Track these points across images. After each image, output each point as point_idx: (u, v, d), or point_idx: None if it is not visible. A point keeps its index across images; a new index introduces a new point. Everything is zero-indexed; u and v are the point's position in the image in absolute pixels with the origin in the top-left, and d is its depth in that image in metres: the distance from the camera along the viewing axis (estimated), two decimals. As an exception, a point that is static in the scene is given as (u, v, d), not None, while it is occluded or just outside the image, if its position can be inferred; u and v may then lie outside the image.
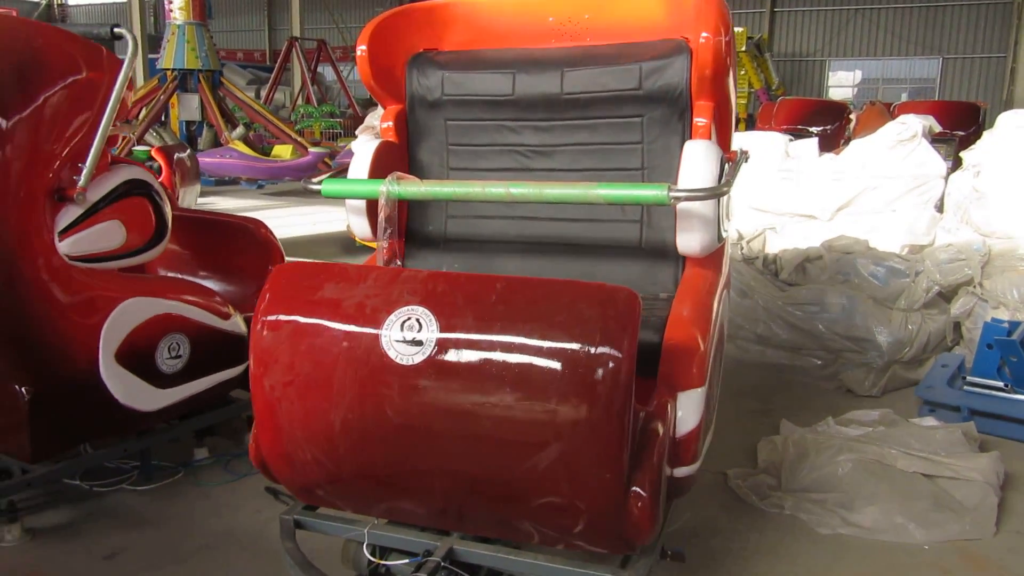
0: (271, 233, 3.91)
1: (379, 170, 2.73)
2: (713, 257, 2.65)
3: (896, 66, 27.47)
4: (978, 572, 2.93)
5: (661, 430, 2.10)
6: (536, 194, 2.38)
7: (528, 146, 2.96)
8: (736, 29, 17.26)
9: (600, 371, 1.79)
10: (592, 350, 1.79)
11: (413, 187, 2.50)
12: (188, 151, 7.73)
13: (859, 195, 5.70)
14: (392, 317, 1.89)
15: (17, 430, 2.86)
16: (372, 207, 2.70)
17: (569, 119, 2.89)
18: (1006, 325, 4.26)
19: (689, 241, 2.50)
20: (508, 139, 2.98)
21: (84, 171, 2.69)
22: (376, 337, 1.89)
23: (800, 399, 4.61)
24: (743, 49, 20.54)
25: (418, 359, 1.86)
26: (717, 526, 3.20)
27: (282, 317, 2.00)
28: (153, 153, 7.20)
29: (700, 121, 2.69)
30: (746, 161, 2.76)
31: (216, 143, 16.33)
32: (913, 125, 5.82)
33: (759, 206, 5.97)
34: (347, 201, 2.76)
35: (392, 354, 1.87)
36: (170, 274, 3.74)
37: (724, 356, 2.93)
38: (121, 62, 2.79)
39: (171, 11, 16.65)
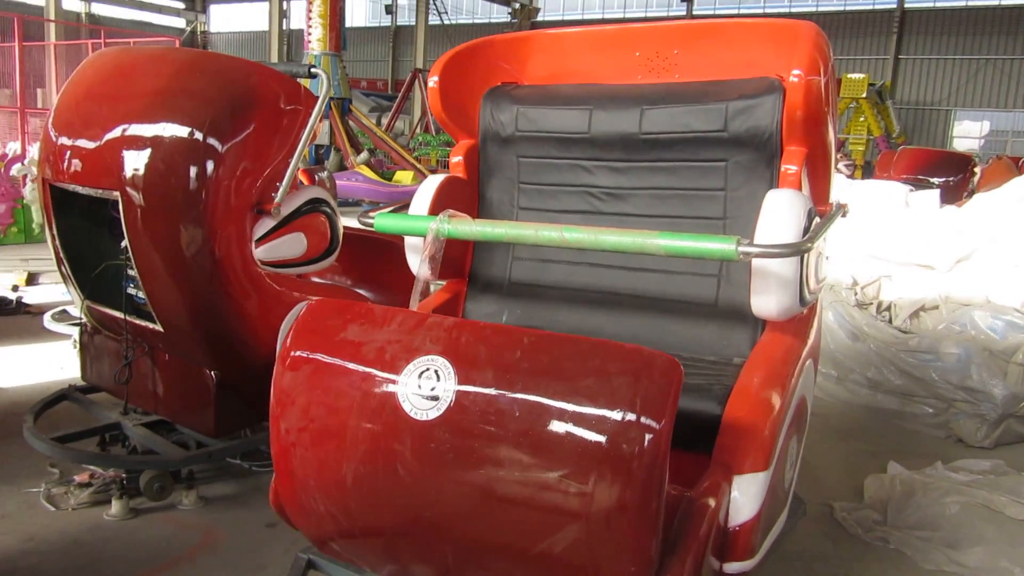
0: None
1: (441, 206, 2.61)
2: (798, 322, 2.39)
3: (1027, 118, 26.44)
4: (1083, 619, 3.00)
5: (708, 517, 1.84)
6: (592, 240, 2.13)
7: (602, 188, 2.78)
8: (858, 75, 17.00)
9: (629, 445, 1.57)
10: (621, 420, 1.58)
11: (464, 226, 2.32)
12: (328, 172, 8.37)
13: (979, 249, 5.71)
14: (411, 366, 1.76)
15: (205, 409, 3.33)
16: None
17: (647, 161, 2.69)
18: None
19: (765, 303, 2.23)
20: (581, 179, 2.81)
21: (280, 189, 3.14)
22: (393, 387, 1.77)
23: (909, 444, 4.68)
24: (864, 96, 20.24)
25: (433, 415, 1.72)
26: (821, 552, 3.36)
27: (303, 356, 1.89)
28: (299, 173, 7.83)
29: (790, 168, 2.44)
30: (843, 216, 2.49)
31: (342, 166, 17.27)
32: (1040, 181, 5.81)
33: (876, 254, 6.04)
34: (405, 237, 2.63)
35: (407, 407, 1.74)
36: (326, 282, 4.19)
37: (806, 432, 2.63)
38: (315, 97, 3.24)
39: (309, 42, 17.82)
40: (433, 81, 2.84)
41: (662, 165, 2.67)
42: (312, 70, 3.32)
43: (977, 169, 11.59)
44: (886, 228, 6.08)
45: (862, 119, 20.65)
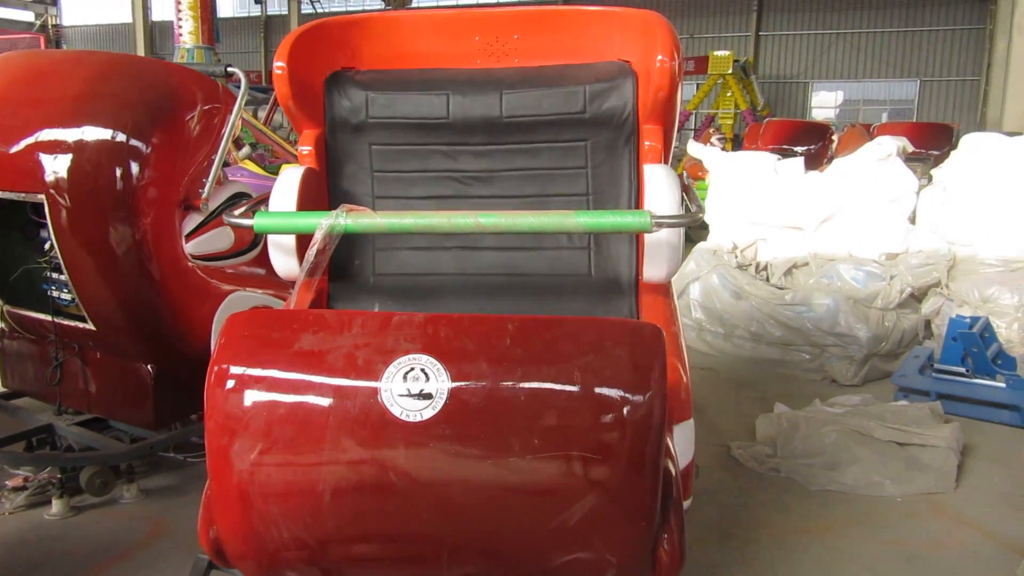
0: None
1: (308, 199, 2.52)
2: (667, 284, 2.56)
3: (876, 88, 28.34)
4: (939, 517, 3.53)
5: (673, 467, 1.93)
6: (511, 224, 2.17)
7: (465, 172, 2.72)
8: (723, 52, 17.83)
9: (635, 413, 1.65)
10: (625, 392, 1.65)
11: (365, 220, 2.16)
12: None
13: (841, 209, 6.33)
14: (391, 368, 1.69)
15: (143, 402, 3.43)
16: (304, 242, 2.35)
17: (510, 143, 2.70)
18: (968, 320, 4.90)
19: (657, 269, 2.40)
20: (443, 165, 2.73)
21: (207, 185, 3.27)
22: (374, 392, 1.68)
23: (791, 387, 5.22)
24: (730, 72, 21.28)
25: (428, 414, 1.66)
26: (724, 486, 3.79)
27: (251, 375, 1.74)
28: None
29: (653, 145, 2.58)
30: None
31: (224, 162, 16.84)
32: (889, 146, 6.45)
33: (751, 218, 6.59)
34: (271, 236, 2.44)
35: (396, 410, 1.67)
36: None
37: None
38: (234, 96, 3.38)
39: (181, 35, 17.23)
40: (279, 67, 2.57)
41: (525, 147, 2.69)
42: (229, 69, 3.45)
43: (834, 137, 12.45)
44: (759, 195, 6.62)
45: (729, 94, 21.65)
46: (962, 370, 4.72)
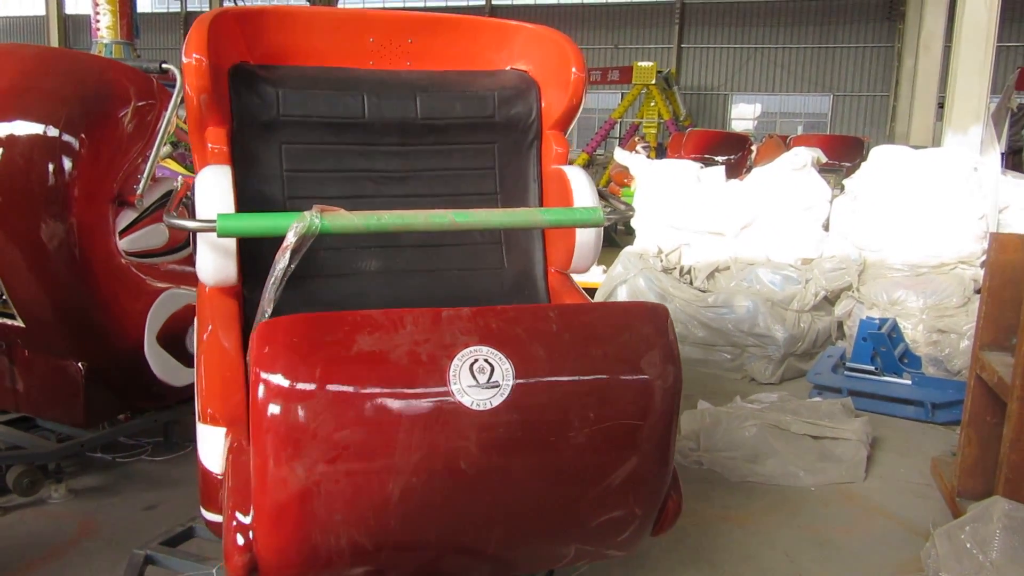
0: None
1: (242, 200, 2.40)
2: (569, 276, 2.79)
3: (792, 101, 29.40)
4: (850, 504, 3.75)
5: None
6: (482, 220, 2.27)
7: (381, 172, 2.73)
8: (647, 63, 18.16)
9: (665, 381, 1.90)
10: (657, 363, 1.90)
11: (341, 220, 2.08)
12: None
13: (759, 216, 6.60)
14: (456, 362, 1.77)
15: (73, 400, 3.37)
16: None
17: (424, 144, 2.76)
18: (877, 322, 5.19)
19: (587, 259, 2.61)
20: (358, 164, 2.71)
21: (141, 181, 3.25)
22: (445, 386, 1.76)
23: (713, 385, 5.43)
24: (653, 82, 21.76)
25: (496, 401, 1.77)
26: (650, 478, 3.94)
27: (310, 383, 1.72)
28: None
29: (559, 149, 2.77)
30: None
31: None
32: (804, 156, 6.76)
33: (675, 224, 6.81)
34: (203, 237, 2.21)
35: (467, 401, 1.76)
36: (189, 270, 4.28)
37: None
38: (169, 92, 3.36)
39: (98, 29, 16.67)
40: (196, 58, 2.35)
41: (439, 148, 2.77)
42: (163, 65, 3.43)
43: (753, 147, 12.90)
44: (682, 202, 6.85)
45: (653, 104, 22.12)
46: (871, 368, 5.00)
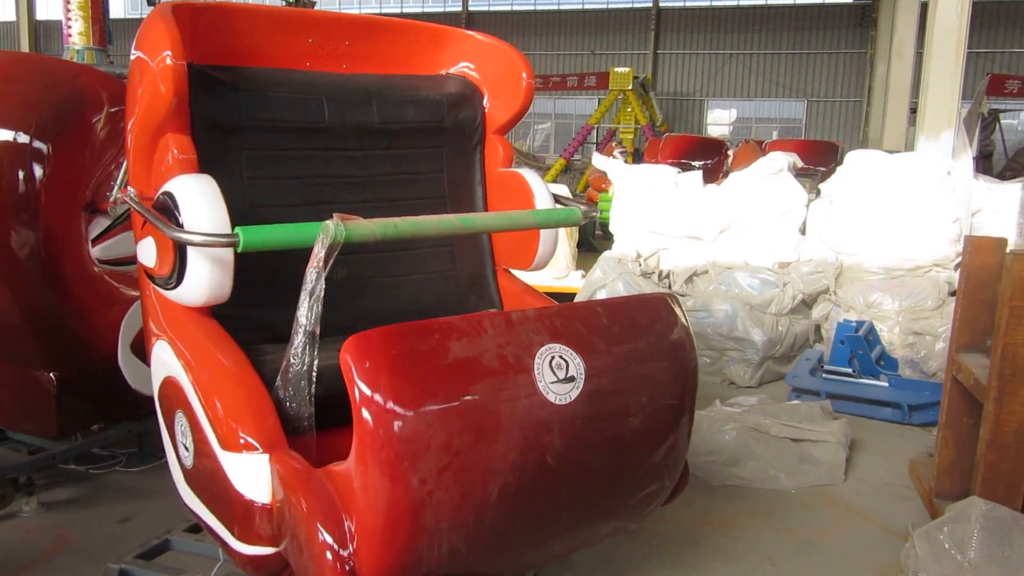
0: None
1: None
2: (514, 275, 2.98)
3: (767, 107, 29.63)
4: (830, 507, 3.77)
5: None
6: (484, 224, 2.53)
7: (340, 177, 2.70)
8: (623, 69, 18.29)
9: (691, 362, 2.18)
10: (685, 347, 2.16)
11: (360, 228, 1.98)
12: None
13: (737, 220, 6.63)
14: (537, 360, 1.88)
15: (45, 411, 3.31)
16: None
17: (379, 149, 2.77)
18: (854, 325, 5.23)
19: (544, 258, 2.78)
20: (319, 170, 2.66)
21: (115, 188, 3.20)
22: (533, 384, 1.85)
23: (692, 390, 5.43)
24: (629, 88, 21.86)
25: (574, 394, 1.89)
26: (631, 483, 3.93)
27: (420, 394, 1.74)
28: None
29: (505, 152, 2.91)
30: None
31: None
32: (780, 161, 6.81)
33: (653, 229, 6.83)
34: (201, 252, 2.08)
35: (552, 397, 1.87)
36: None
37: None
38: (143, 98, 3.31)
39: (70, 36, 16.50)
40: (169, 58, 2.19)
41: (392, 152, 2.79)
42: (137, 71, 3.38)
43: (730, 152, 12.97)
44: (660, 206, 6.87)
45: (629, 110, 22.22)
46: (849, 371, 5.03)
